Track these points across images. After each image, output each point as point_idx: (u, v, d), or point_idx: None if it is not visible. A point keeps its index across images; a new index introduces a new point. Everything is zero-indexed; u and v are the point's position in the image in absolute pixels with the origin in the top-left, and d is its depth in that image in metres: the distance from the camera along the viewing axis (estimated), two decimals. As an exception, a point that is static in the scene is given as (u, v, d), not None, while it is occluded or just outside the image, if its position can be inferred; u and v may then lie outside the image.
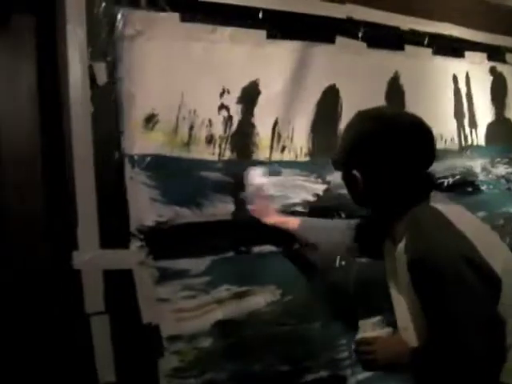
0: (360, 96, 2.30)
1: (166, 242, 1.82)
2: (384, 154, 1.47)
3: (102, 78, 1.73)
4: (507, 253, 1.49)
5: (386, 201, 1.52)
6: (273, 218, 2.00)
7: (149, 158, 1.80)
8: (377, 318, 1.67)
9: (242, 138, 2.03)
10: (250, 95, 2.05)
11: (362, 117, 1.57)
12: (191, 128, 1.90)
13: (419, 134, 1.53)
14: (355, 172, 1.49)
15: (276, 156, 2.12)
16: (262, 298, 1.99)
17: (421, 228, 1.39)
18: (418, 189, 1.50)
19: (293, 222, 1.99)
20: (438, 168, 2.56)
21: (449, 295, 1.30)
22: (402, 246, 1.42)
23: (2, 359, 1.58)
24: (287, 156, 2.15)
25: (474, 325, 1.29)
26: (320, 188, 2.19)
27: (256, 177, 2.03)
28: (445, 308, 1.31)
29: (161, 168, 1.82)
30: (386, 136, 1.47)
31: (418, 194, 1.48)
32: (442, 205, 1.46)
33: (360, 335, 1.65)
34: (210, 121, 1.95)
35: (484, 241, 1.40)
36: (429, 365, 1.42)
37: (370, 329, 1.65)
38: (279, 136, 2.13)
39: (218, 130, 1.97)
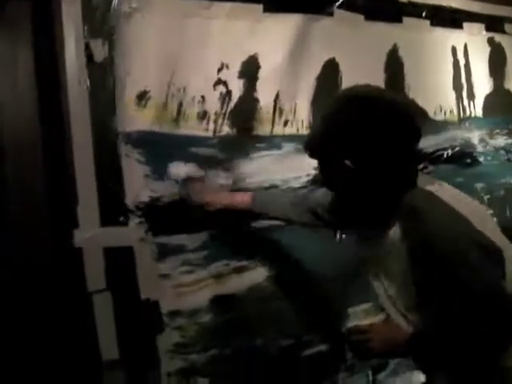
0: (359, 69, 2.29)
1: (163, 217, 1.83)
2: (380, 140, 1.38)
3: (99, 55, 1.73)
4: (496, 226, 1.50)
5: (377, 189, 1.44)
6: (214, 198, 1.90)
7: (140, 135, 1.80)
8: (368, 305, 1.64)
9: (243, 113, 2.02)
10: (249, 70, 2.04)
11: (350, 101, 1.46)
12: (180, 104, 1.89)
13: (408, 114, 1.47)
14: (347, 162, 1.39)
15: (278, 130, 2.11)
16: (260, 273, 2.00)
17: (419, 214, 1.36)
18: (409, 172, 1.45)
19: (242, 198, 1.90)
20: (437, 140, 2.57)
21: (456, 276, 1.30)
22: (395, 232, 1.41)
23: (4, 338, 1.59)
24: (289, 130, 2.14)
25: (481, 305, 1.29)
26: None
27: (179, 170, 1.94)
28: (452, 289, 1.31)
29: (151, 144, 1.82)
30: (383, 121, 1.38)
31: (407, 177, 1.44)
32: (432, 186, 1.43)
33: (352, 323, 1.62)
34: (202, 97, 1.93)
35: (478, 216, 1.41)
36: (431, 348, 1.42)
37: (362, 316, 1.61)
38: (281, 110, 2.12)
39: (214, 106, 1.96)
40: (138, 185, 1.78)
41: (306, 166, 2.10)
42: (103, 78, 1.74)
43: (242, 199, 1.89)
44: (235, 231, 1.98)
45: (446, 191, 1.45)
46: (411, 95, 2.53)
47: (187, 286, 1.85)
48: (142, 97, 1.80)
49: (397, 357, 1.63)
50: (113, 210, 1.74)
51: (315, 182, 2.07)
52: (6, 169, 1.62)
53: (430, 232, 1.32)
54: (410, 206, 1.38)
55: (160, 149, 1.84)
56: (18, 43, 1.66)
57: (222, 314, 1.90)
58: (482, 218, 1.44)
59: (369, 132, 1.37)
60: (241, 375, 1.90)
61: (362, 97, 1.45)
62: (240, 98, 2.01)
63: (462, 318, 1.31)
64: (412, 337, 1.47)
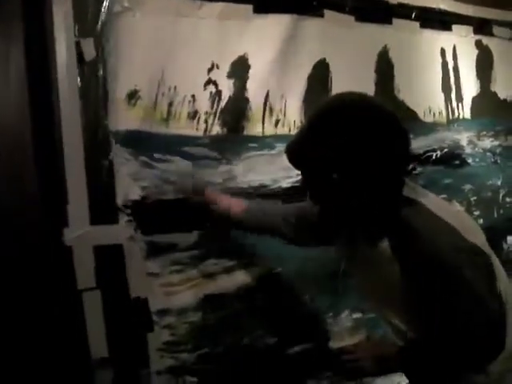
0: (350, 69, 2.32)
1: (153, 216, 1.83)
2: (369, 151, 1.32)
3: (89, 53, 1.72)
4: (482, 234, 1.48)
5: (364, 201, 1.38)
6: (213, 198, 1.90)
7: (130, 134, 1.80)
8: (350, 321, 1.61)
9: (234, 112, 2.03)
10: (239, 69, 2.04)
11: (338, 108, 1.40)
12: (170, 104, 1.90)
13: (398, 124, 1.40)
14: (334, 175, 1.34)
15: (269, 130, 2.13)
16: (249, 272, 2.01)
17: (409, 227, 1.33)
18: (396, 183, 1.40)
19: (238, 205, 1.89)
20: (426, 141, 2.60)
21: (449, 288, 1.30)
22: (385, 246, 1.38)
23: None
24: (281, 130, 2.16)
25: (476, 316, 1.29)
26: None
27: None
28: (448, 301, 1.30)
29: (141, 143, 1.82)
30: (373, 130, 1.33)
31: (395, 188, 1.39)
32: (418, 196, 1.41)
33: (337, 344, 1.57)
34: (193, 97, 1.94)
35: (466, 226, 1.40)
36: (422, 361, 1.41)
37: (346, 335, 1.58)
38: (271, 110, 2.13)
39: (204, 105, 1.96)
40: (128, 184, 1.79)
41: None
42: (94, 77, 1.74)
43: (237, 206, 1.87)
44: (224, 231, 1.98)
45: (432, 201, 1.43)
46: (401, 96, 2.55)
47: (177, 284, 1.86)
48: (132, 96, 1.81)
49: (387, 373, 1.61)
50: (103, 208, 1.74)
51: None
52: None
53: (422, 245, 1.31)
54: (400, 219, 1.35)
55: (150, 148, 1.84)
56: (9, 42, 1.65)
57: (210, 313, 1.91)
58: (469, 226, 1.44)
59: (358, 142, 1.32)
60: (229, 374, 1.91)
61: (350, 105, 1.39)
62: (230, 97, 2.02)
63: (452, 329, 1.31)
64: (402, 351, 1.47)
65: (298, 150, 1.43)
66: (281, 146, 2.08)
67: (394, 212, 1.36)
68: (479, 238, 1.40)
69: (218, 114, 1.99)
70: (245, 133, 2.06)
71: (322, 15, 2.28)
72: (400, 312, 1.48)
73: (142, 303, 1.79)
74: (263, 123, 2.11)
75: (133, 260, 1.78)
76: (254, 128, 2.08)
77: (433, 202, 1.43)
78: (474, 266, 1.30)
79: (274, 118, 2.14)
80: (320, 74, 2.27)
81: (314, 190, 1.47)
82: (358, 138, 1.32)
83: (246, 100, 2.06)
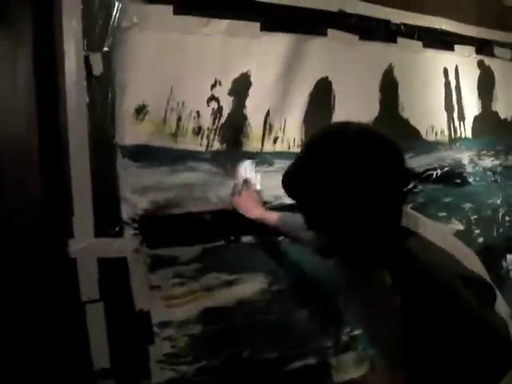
0: (353, 88, 2.34)
1: (158, 230, 1.85)
2: (370, 185, 1.27)
3: (97, 68, 1.75)
4: (480, 262, 1.47)
5: (362, 235, 1.33)
6: (253, 213, 2.00)
7: (138, 148, 1.82)
8: (353, 354, 1.58)
9: (233, 129, 2.05)
10: (241, 87, 2.06)
11: (345, 130, 1.34)
12: (179, 119, 1.92)
13: (399, 154, 1.34)
14: (329, 217, 1.31)
15: (268, 147, 2.14)
16: (250, 287, 2.02)
17: (413, 259, 1.30)
18: (395, 215, 1.36)
19: (272, 216, 1.98)
20: (428, 160, 2.61)
21: (454, 319, 1.26)
22: (384, 275, 1.35)
23: (-3, 346, 1.60)
24: (280, 147, 2.17)
25: (484, 339, 1.26)
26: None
27: (245, 170, 2.05)
28: (455, 328, 1.26)
29: (149, 157, 1.84)
30: (375, 163, 1.28)
31: (393, 220, 1.36)
32: (417, 225, 1.39)
33: (341, 378, 1.54)
34: (198, 112, 1.96)
35: (465, 254, 1.39)
36: None
37: (351, 367, 1.55)
38: (271, 127, 2.14)
39: (207, 121, 1.98)
40: (135, 197, 1.80)
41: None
42: (102, 91, 1.76)
43: (271, 217, 1.98)
44: (227, 245, 2.00)
45: (430, 229, 1.41)
46: (405, 115, 2.57)
47: (178, 297, 1.87)
48: (140, 111, 1.83)
49: None
50: (108, 221, 1.75)
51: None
52: (2, 177, 1.63)
53: (425, 276, 1.28)
54: (400, 250, 1.33)
55: (158, 162, 1.86)
56: (18, 55, 1.67)
57: (211, 326, 1.91)
58: (466, 254, 1.42)
59: (355, 167, 1.26)
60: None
61: (348, 129, 1.34)
62: (229, 114, 2.04)
63: (459, 356, 1.28)
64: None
65: (295, 179, 1.38)
66: (280, 163, 2.12)
67: (393, 243, 1.34)
68: (476, 266, 1.39)
69: (218, 130, 2.01)
70: (244, 149, 2.08)
71: (325, 34, 2.30)
72: (400, 342, 1.44)
73: (144, 315, 1.80)
74: (262, 140, 2.12)
75: (137, 273, 1.79)
76: (253, 144, 2.10)
77: (429, 230, 1.40)
78: (478, 293, 1.28)
79: (273, 135, 2.15)
80: (322, 92, 2.28)
81: (311, 218, 1.43)
82: (356, 162, 1.27)
83: (245, 117, 2.08)
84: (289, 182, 1.40)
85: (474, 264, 1.38)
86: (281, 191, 2.04)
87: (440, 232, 1.50)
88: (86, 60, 1.74)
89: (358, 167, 1.26)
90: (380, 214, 1.31)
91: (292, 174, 1.39)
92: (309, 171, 1.32)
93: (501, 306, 1.40)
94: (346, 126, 1.36)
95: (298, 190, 1.38)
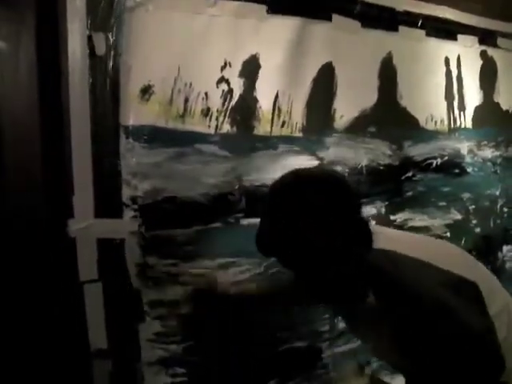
0: (355, 74, 2.34)
1: (158, 212, 1.84)
2: (329, 218, 1.37)
3: (101, 48, 1.73)
4: (468, 257, 1.52)
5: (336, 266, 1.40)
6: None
7: (143, 129, 1.81)
8: (353, 364, 1.60)
9: (244, 111, 2.05)
10: (250, 69, 2.05)
11: (300, 177, 1.47)
12: (186, 100, 1.91)
13: (345, 183, 1.49)
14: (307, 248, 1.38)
15: (277, 131, 2.14)
16: (246, 270, 2.03)
17: (388, 278, 1.35)
18: (361, 239, 1.42)
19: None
20: (427, 149, 2.62)
21: (438, 328, 1.30)
22: (370, 301, 1.39)
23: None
24: (285, 131, 2.17)
25: (470, 344, 1.30)
26: (313, 164, 2.21)
27: None
28: (441, 336, 1.30)
29: (155, 139, 1.83)
30: (325, 199, 1.39)
31: (362, 244, 1.41)
32: (387, 242, 1.42)
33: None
34: (206, 94, 1.95)
35: (443, 254, 1.44)
36: None
37: (351, 378, 1.58)
38: (280, 110, 2.14)
39: (216, 103, 1.97)
40: (136, 179, 1.80)
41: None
42: (105, 71, 1.75)
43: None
44: (223, 228, 2.00)
45: (402, 242, 1.45)
46: (403, 103, 2.57)
47: (171, 277, 1.87)
48: (146, 91, 1.81)
49: None
50: (109, 202, 1.75)
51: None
52: (4, 157, 1.62)
53: (405, 292, 1.32)
54: (378, 273, 1.37)
55: (163, 143, 1.85)
56: (21, 35, 1.65)
57: (201, 307, 1.92)
58: (448, 254, 1.46)
59: (317, 209, 1.37)
60: (216, 366, 1.94)
61: (302, 176, 1.48)
62: (240, 96, 2.03)
63: (448, 367, 1.31)
64: None
65: (271, 238, 1.44)
66: (283, 147, 2.14)
67: (370, 268, 1.38)
68: (463, 265, 1.42)
69: (228, 112, 2.00)
70: (255, 132, 2.08)
71: (330, 19, 2.29)
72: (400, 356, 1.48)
73: (137, 295, 1.81)
74: (272, 124, 2.12)
75: (133, 254, 1.79)
76: (263, 128, 2.10)
77: (402, 242, 1.45)
78: (460, 296, 1.31)
79: (281, 119, 2.15)
80: (325, 77, 2.28)
81: (293, 269, 1.50)
82: (317, 204, 1.36)
83: (256, 100, 2.07)
84: (265, 244, 1.46)
85: (458, 263, 1.41)
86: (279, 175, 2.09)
87: (413, 240, 1.55)
88: (89, 40, 1.72)
89: (319, 203, 1.36)
90: (348, 241, 1.38)
91: (266, 235, 1.45)
92: (280, 226, 1.39)
93: (497, 294, 1.41)
94: (296, 173, 1.49)
95: (275, 247, 1.44)
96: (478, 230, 2.81)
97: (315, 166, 1.62)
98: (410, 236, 1.55)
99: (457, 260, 1.47)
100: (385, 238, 1.44)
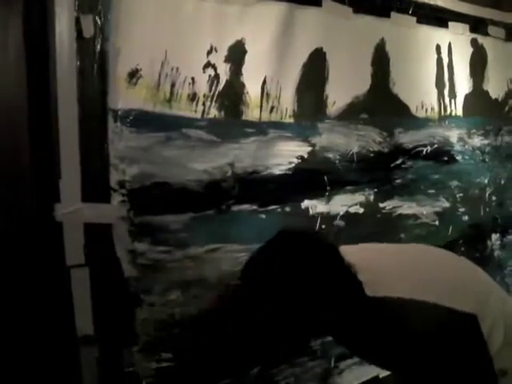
0: (347, 61, 2.33)
1: (147, 198, 1.83)
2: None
3: (88, 31, 1.70)
4: (451, 258, 1.55)
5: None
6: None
7: (131, 113, 1.79)
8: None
9: (231, 96, 2.03)
10: (237, 54, 2.04)
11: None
12: (173, 85, 1.89)
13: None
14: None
15: (265, 116, 2.13)
16: (235, 257, 2.02)
17: (385, 324, 1.38)
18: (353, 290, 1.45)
19: None
20: (417, 136, 2.62)
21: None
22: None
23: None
24: (274, 117, 2.15)
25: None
26: (305, 150, 2.21)
27: None
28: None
29: (142, 123, 1.82)
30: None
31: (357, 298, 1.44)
32: (375, 286, 1.43)
33: None
34: (192, 79, 1.93)
35: (417, 278, 1.44)
36: None
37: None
38: (268, 96, 2.13)
39: (203, 88, 1.96)
40: (124, 163, 1.78)
41: (288, 154, 2.16)
42: (93, 54, 1.72)
43: None
44: (216, 215, 1.99)
45: (395, 287, 1.43)
46: (395, 90, 2.56)
47: (162, 264, 1.86)
48: (133, 75, 1.79)
49: None
50: (95, 186, 1.73)
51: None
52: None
53: (400, 335, 1.34)
54: (374, 321, 1.39)
55: (151, 128, 1.83)
56: (8, 16, 1.63)
57: (191, 294, 1.92)
58: (431, 280, 1.44)
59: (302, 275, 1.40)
60: (204, 352, 1.93)
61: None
62: (227, 81, 2.01)
63: None
64: None
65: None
66: (273, 132, 2.13)
67: (368, 318, 1.40)
68: (457, 296, 1.40)
69: (215, 97, 1.98)
70: (243, 117, 2.06)
71: (320, 4, 2.27)
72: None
73: (127, 282, 1.80)
74: (261, 109, 2.11)
75: (122, 239, 1.78)
76: (252, 113, 2.08)
77: (396, 287, 1.43)
78: (455, 332, 1.32)
79: (270, 105, 2.13)
80: (316, 62, 2.27)
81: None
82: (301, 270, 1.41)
83: (243, 85, 2.06)
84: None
85: (446, 292, 1.40)
86: (272, 161, 2.08)
87: (403, 273, 1.51)
88: (77, 22, 1.69)
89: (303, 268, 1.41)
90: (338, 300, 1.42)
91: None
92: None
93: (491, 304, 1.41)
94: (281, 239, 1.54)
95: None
96: (465, 218, 2.83)
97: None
98: (400, 267, 1.53)
99: (452, 283, 1.46)
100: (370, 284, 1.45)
